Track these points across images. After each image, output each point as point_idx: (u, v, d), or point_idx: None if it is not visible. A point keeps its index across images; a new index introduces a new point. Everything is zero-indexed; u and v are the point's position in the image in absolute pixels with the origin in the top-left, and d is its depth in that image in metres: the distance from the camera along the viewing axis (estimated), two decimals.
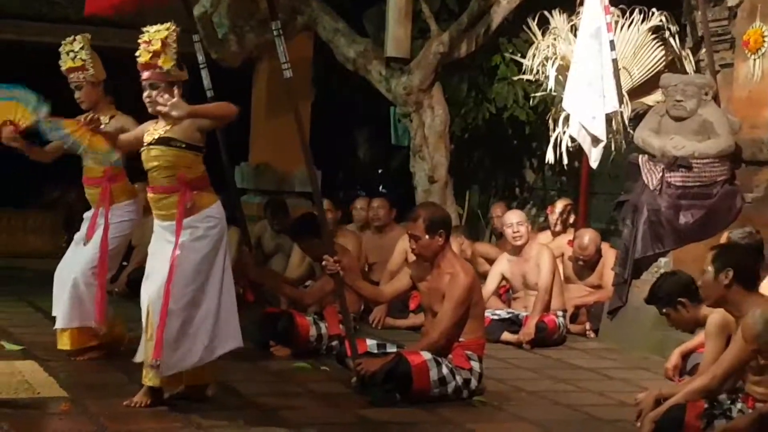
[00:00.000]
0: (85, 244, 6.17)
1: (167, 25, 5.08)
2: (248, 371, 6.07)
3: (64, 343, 6.17)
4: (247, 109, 11.23)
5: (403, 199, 9.54)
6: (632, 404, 5.42)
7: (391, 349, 5.81)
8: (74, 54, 6.10)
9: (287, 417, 5.10)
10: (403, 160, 10.21)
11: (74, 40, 6.14)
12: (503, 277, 7.74)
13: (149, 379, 5.09)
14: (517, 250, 7.63)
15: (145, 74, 5.08)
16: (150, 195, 5.15)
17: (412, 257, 6.51)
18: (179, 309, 5.02)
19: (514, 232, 7.60)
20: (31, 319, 7.62)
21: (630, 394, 5.81)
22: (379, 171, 13.33)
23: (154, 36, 5.04)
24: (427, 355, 5.50)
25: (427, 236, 5.62)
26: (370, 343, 5.87)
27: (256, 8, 9.69)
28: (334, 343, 6.65)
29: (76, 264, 6.16)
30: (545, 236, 8.58)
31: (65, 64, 6.15)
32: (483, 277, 7.68)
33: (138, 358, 5.22)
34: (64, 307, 6.13)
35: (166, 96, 4.92)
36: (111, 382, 5.69)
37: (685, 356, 6.09)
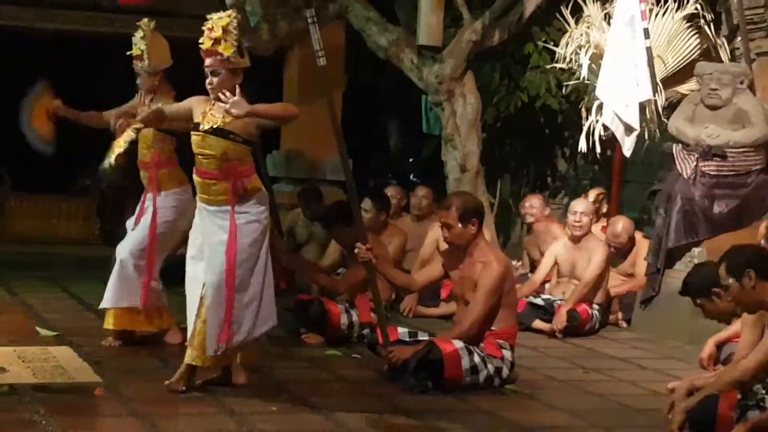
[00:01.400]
0: (133, 229, 6.27)
1: (228, 12, 5.15)
2: (280, 358, 6.10)
3: (108, 323, 6.24)
4: (279, 98, 11.24)
5: (434, 188, 9.51)
6: (665, 394, 5.41)
7: (423, 337, 5.82)
8: (135, 42, 6.15)
9: (319, 404, 5.12)
10: (434, 149, 10.18)
11: (138, 27, 6.19)
12: (555, 261, 7.75)
13: (195, 358, 5.17)
14: (575, 239, 7.63)
15: (207, 61, 5.13)
16: (197, 179, 5.22)
17: (443, 246, 6.51)
18: (238, 294, 5.13)
19: (575, 221, 7.61)
20: (65, 305, 7.69)
21: (663, 383, 5.79)
22: (410, 160, 13.32)
23: (216, 23, 5.08)
24: (459, 344, 5.50)
25: (459, 225, 5.62)
26: (402, 331, 5.88)
27: None
28: (366, 330, 6.67)
29: (126, 245, 6.25)
30: None
31: (133, 50, 6.20)
32: None
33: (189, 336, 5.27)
34: (111, 286, 6.21)
35: (228, 93, 4.98)
36: (145, 367, 5.74)
37: (720, 346, 6.06)
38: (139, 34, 6.16)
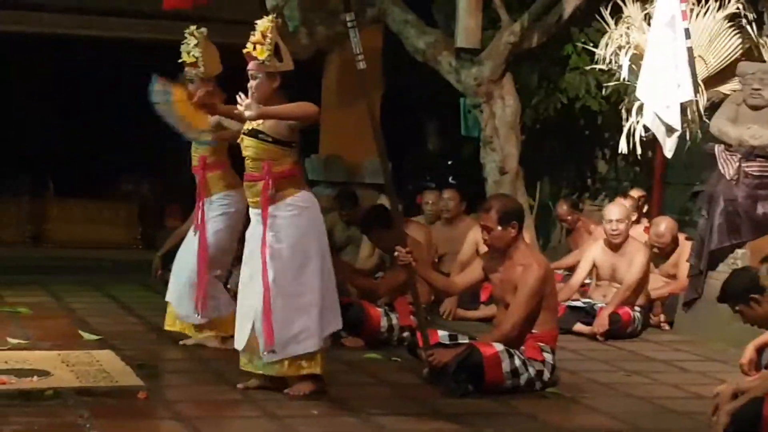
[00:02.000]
0: (194, 235, 6.35)
1: (269, 17, 5.20)
2: None
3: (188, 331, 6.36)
4: (317, 101, 11.26)
5: (473, 191, 9.50)
6: (707, 397, 5.35)
7: (463, 340, 5.80)
8: (188, 50, 6.19)
9: (359, 407, 5.13)
10: (473, 151, 10.16)
11: (191, 33, 6.21)
12: (593, 264, 7.71)
13: (259, 366, 5.22)
14: (614, 246, 7.57)
15: (249, 65, 5.21)
16: (244, 181, 5.32)
17: (483, 248, 6.49)
18: (282, 297, 5.13)
19: (612, 230, 7.53)
20: (108, 309, 7.75)
21: (706, 386, 5.74)
22: (449, 162, 13.30)
23: (258, 28, 5.16)
24: (499, 347, 5.48)
25: (499, 227, 5.60)
26: (442, 334, 5.87)
27: (326, 1, 9.73)
28: (405, 334, 6.67)
29: (188, 259, 6.33)
30: None
31: (183, 57, 6.24)
32: None
33: (237, 345, 5.30)
34: (180, 301, 6.31)
35: (243, 96, 5.06)
36: (187, 370, 5.78)
37: (760, 350, 5.98)
38: (192, 41, 6.19)
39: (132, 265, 9.57)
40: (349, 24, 5.65)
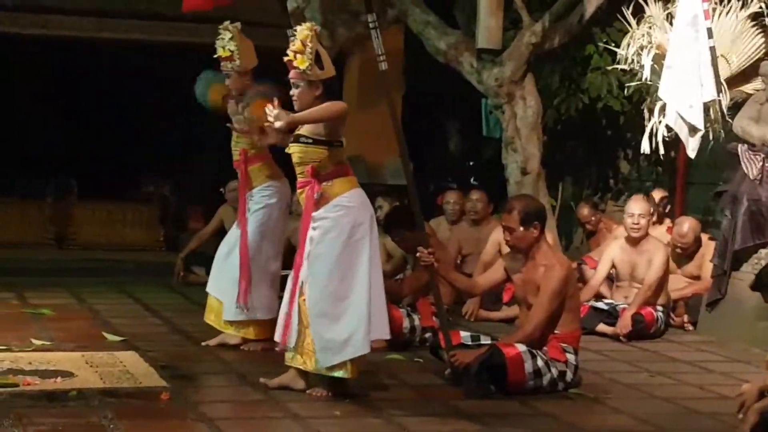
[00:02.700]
0: (237, 228, 6.38)
1: (309, 24, 5.23)
2: None
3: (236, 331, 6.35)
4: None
5: (494, 191, 9.48)
6: (731, 397, 5.32)
7: (486, 341, 5.80)
8: (224, 44, 6.25)
9: (381, 408, 5.13)
10: (494, 152, 10.14)
11: (225, 28, 6.27)
12: (612, 264, 7.68)
13: (302, 363, 5.25)
14: (633, 241, 7.55)
15: (290, 74, 5.23)
16: (297, 189, 5.33)
17: (505, 249, 6.49)
18: (327, 302, 5.14)
19: (633, 223, 7.52)
20: (131, 310, 7.79)
21: (730, 387, 5.71)
22: (470, 163, 13.28)
23: (298, 36, 5.18)
24: (521, 347, 5.47)
25: (521, 228, 5.59)
26: (464, 335, 5.87)
27: (347, 2, 9.74)
28: (428, 334, 6.66)
29: (233, 255, 6.33)
30: None
31: (219, 52, 6.29)
32: None
33: (290, 343, 5.28)
34: (228, 298, 6.29)
35: (270, 106, 5.07)
36: (210, 371, 5.79)
37: None
38: (227, 35, 6.25)
39: (155, 267, 9.63)
40: (370, 25, 5.66)
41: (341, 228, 5.18)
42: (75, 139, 11.87)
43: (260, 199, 6.35)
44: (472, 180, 12.74)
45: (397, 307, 6.74)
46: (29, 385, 5.17)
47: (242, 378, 5.62)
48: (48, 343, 6.26)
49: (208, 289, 6.49)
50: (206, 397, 5.19)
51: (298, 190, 5.31)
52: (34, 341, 6.24)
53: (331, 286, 5.16)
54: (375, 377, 5.85)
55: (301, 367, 5.27)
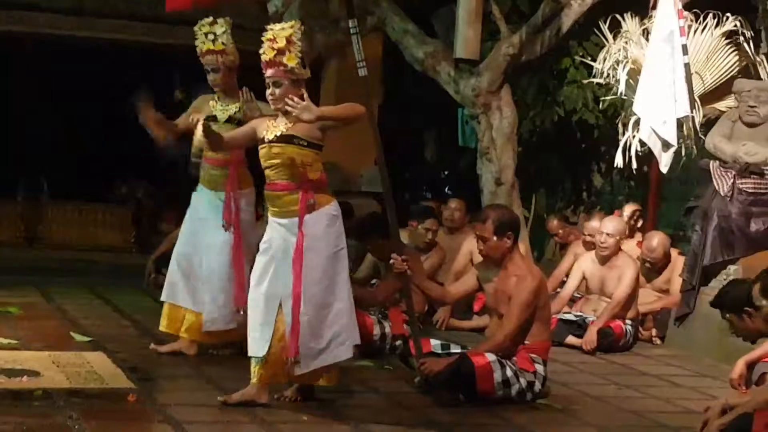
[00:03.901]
0: (226, 229, 6.13)
1: (292, 23, 5.12)
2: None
3: (210, 339, 6.21)
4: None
5: (469, 201, 9.51)
6: (698, 411, 5.35)
7: (456, 349, 5.81)
8: (214, 37, 6.08)
9: (350, 415, 5.12)
10: (470, 162, 10.18)
11: (215, 22, 6.11)
12: (583, 276, 7.72)
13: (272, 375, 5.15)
14: (602, 258, 7.59)
15: (268, 72, 5.06)
16: (268, 193, 5.16)
17: (477, 258, 6.50)
18: (311, 309, 5.06)
19: (601, 242, 7.56)
20: (100, 312, 7.74)
21: (697, 401, 5.74)
22: (446, 172, 13.31)
23: (279, 34, 5.03)
24: (491, 357, 5.48)
25: (495, 238, 5.61)
26: (435, 343, 5.87)
27: (326, 8, 9.74)
28: (398, 342, 6.67)
29: (213, 255, 6.15)
30: None
31: (203, 45, 6.11)
32: None
33: (251, 352, 5.17)
34: (210, 302, 6.15)
35: (296, 98, 4.93)
36: (178, 374, 5.76)
37: (751, 366, 5.99)
38: (220, 29, 6.08)
39: (126, 269, 9.57)
40: (351, 31, 5.65)
41: (329, 238, 5.12)
42: (48, 137, 11.80)
43: (246, 202, 6.24)
44: (447, 189, 12.78)
45: (369, 314, 6.74)
46: None
47: (210, 381, 5.60)
48: (15, 341, 6.21)
49: (174, 300, 6.28)
50: (173, 400, 5.16)
51: (275, 193, 5.11)
52: (0, 339, 6.19)
53: (318, 294, 5.08)
54: (344, 384, 5.84)
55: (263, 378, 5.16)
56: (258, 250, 5.27)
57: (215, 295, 6.15)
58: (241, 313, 6.02)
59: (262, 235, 5.30)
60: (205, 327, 6.17)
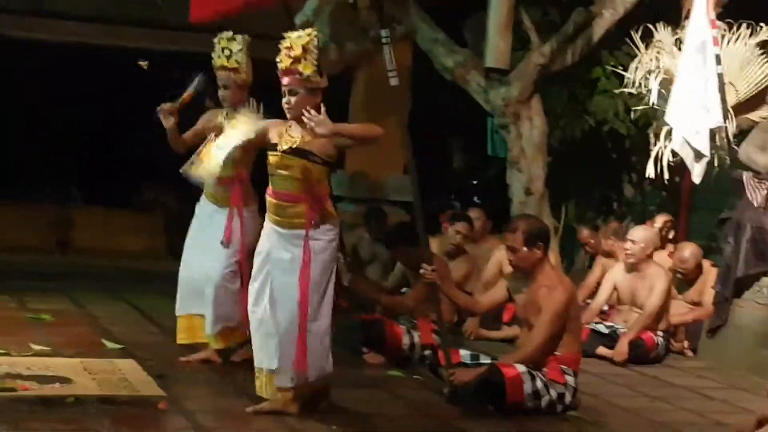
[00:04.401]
0: (225, 246, 6.12)
1: (308, 30, 5.04)
2: (341, 377, 6.06)
3: (218, 343, 6.20)
4: (344, 117, 11.30)
5: (498, 211, 9.48)
6: (730, 424, 5.31)
7: (485, 360, 5.78)
8: (230, 53, 6.06)
9: (379, 424, 5.12)
10: (498, 171, 10.15)
11: (233, 38, 6.09)
12: (614, 287, 7.67)
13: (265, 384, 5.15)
14: (632, 267, 7.53)
15: (285, 80, 5.00)
16: (271, 200, 5.10)
17: (507, 268, 6.48)
18: (312, 318, 5.04)
19: (626, 248, 7.52)
20: (130, 318, 7.77)
21: (729, 414, 5.70)
22: (474, 182, 13.28)
23: (296, 42, 4.96)
24: (521, 368, 5.46)
25: (525, 248, 5.58)
26: (464, 354, 5.85)
27: (356, 17, 9.75)
28: (427, 352, 6.64)
29: (212, 268, 6.15)
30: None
31: (218, 60, 6.10)
32: None
33: (263, 365, 5.15)
34: (210, 313, 6.14)
35: (313, 111, 4.87)
36: (207, 382, 5.78)
37: None
38: (236, 46, 6.06)
39: (155, 275, 9.59)
40: (383, 40, 5.63)
41: (330, 251, 5.08)
42: (78, 144, 11.90)
43: (251, 219, 6.19)
44: (475, 199, 12.74)
45: (398, 324, 6.73)
46: (27, 390, 5.15)
47: (239, 388, 5.60)
48: (47, 348, 6.24)
49: (186, 311, 6.30)
50: (203, 407, 5.17)
51: (280, 203, 5.04)
52: (33, 346, 6.22)
53: (314, 305, 5.03)
54: (374, 393, 5.83)
55: (266, 396, 5.15)
56: None
57: (217, 293, 6.14)
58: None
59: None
60: (207, 329, 6.19)
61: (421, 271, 5.71)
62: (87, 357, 6.05)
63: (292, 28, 7.03)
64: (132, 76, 11.41)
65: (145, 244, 11.74)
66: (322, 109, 4.92)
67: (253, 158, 6.10)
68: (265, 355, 5.11)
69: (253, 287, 5.17)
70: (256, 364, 5.19)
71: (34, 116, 12.11)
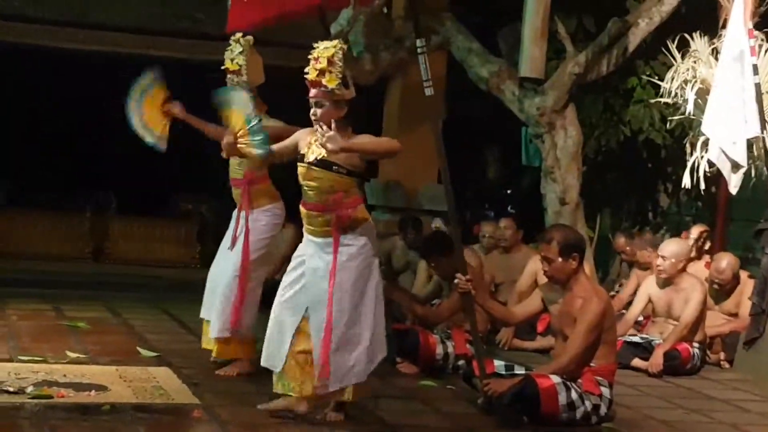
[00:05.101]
0: (231, 249, 6.22)
1: (335, 42, 5.06)
2: (375, 387, 6.06)
3: (216, 350, 6.26)
4: (378, 127, 11.32)
5: (532, 221, 9.46)
6: None
7: (520, 370, 5.75)
8: (232, 57, 6.14)
9: None
10: (533, 181, 10.13)
11: (237, 41, 6.15)
12: (649, 299, 7.62)
13: (293, 389, 5.16)
14: (666, 281, 7.49)
15: (312, 92, 5.04)
16: (303, 210, 5.17)
17: (542, 279, 6.45)
18: (341, 326, 5.04)
19: (657, 265, 7.46)
20: (166, 327, 7.82)
21: (764, 427, 5.65)
22: (508, 191, 13.26)
23: (322, 54, 4.99)
24: (556, 379, 5.43)
25: (560, 259, 5.56)
26: (498, 364, 5.82)
27: (390, 27, 9.78)
28: (461, 362, 6.64)
29: (225, 272, 6.23)
30: None
31: (225, 64, 6.17)
32: None
33: (266, 364, 5.23)
34: (217, 316, 6.20)
35: (324, 126, 4.92)
36: (241, 391, 5.78)
37: None
38: (237, 49, 6.12)
39: (190, 284, 9.62)
40: (419, 50, 5.63)
41: (364, 256, 5.09)
42: (115, 153, 11.98)
43: (265, 219, 6.24)
44: (509, 208, 12.73)
45: (432, 334, 6.72)
46: (63, 398, 5.20)
47: (275, 398, 5.60)
48: (83, 356, 6.29)
49: (202, 315, 6.38)
50: (238, 417, 5.18)
51: (310, 212, 5.10)
52: (69, 354, 6.28)
53: (347, 312, 5.05)
54: (407, 403, 5.82)
55: (281, 391, 5.19)
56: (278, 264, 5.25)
57: (220, 301, 6.19)
58: (231, 332, 6.12)
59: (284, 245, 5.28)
60: (211, 334, 6.23)
61: (456, 281, 5.70)
62: (122, 365, 6.10)
63: (328, 38, 7.08)
64: (171, 87, 11.47)
65: (180, 253, 11.82)
66: (333, 124, 4.93)
67: (267, 163, 6.02)
68: (272, 356, 5.18)
69: (286, 292, 5.20)
70: (266, 365, 5.24)
71: (72, 126, 12.22)
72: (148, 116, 6.22)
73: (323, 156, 5.03)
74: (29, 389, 5.25)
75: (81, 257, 11.48)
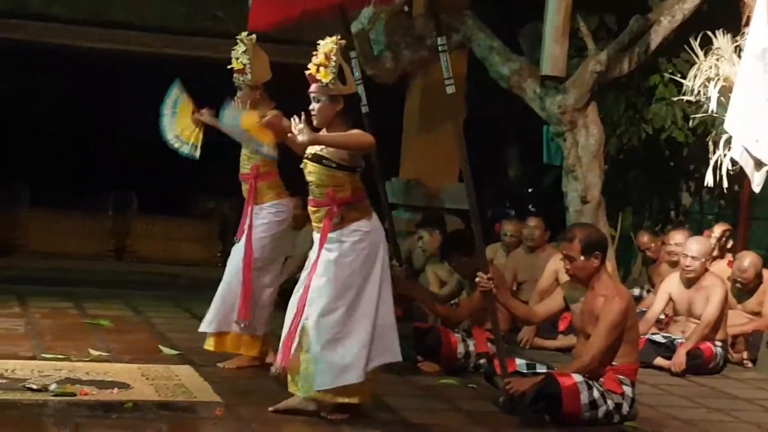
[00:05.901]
0: (236, 243, 6.30)
1: (333, 38, 5.10)
2: (396, 385, 6.09)
3: (211, 344, 6.31)
4: (399, 125, 11.31)
5: (553, 219, 9.43)
6: None
7: (541, 369, 5.74)
8: (236, 56, 6.19)
9: None
10: (554, 180, 10.09)
11: (242, 40, 6.21)
12: (670, 298, 7.58)
13: (301, 388, 5.14)
14: (690, 280, 7.45)
15: (311, 86, 5.13)
16: (308, 207, 5.25)
17: (563, 277, 6.43)
18: (330, 324, 5.03)
19: (686, 265, 7.41)
20: (187, 325, 7.82)
21: None
22: (529, 190, 13.21)
23: (320, 49, 5.07)
24: (578, 378, 5.41)
25: (582, 257, 5.54)
26: (520, 363, 5.82)
27: (411, 26, 9.77)
28: (482, 361, 6.63)
29: (230, 268, 6.32)
30: None
31: (232, 63, 6.23)
32: None
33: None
34: (213, 309, 6.27)
35: (295, 119, 4.97)
36: (262, 389, 5.79)
37: None
38: (240, 48, 6.17)
39: (212, 282, 9.64)
40: (440, 48, 5.63)
41: (357, 253, 5.08)
42: (137, 154, 12.04)
43: (268, 215, 6.26)
44: (530, 207, 12.69)
45: (453, 332, 6.72)
46: (86, 395, 5.22)
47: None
48: (105, 354, 6.32)
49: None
50: (259, 415, 5.19)
51: (311, 208, 5.19)
52: (91, 352, 6.31)
53: (339, 310, 5.04)
54: (428, 401, 5.82)
55: (293, 391, 5.19)
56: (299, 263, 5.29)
57: (222, 292, 6.27)
58: (241, 326, 6.17)
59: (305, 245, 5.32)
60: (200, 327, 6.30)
61: (477, 279, 5.69)
62: (145, 363, 6.13)
63: (349, 37, 7.09)
64: (193, 86, 11.51)
65: (202, 252, 11.86)
66: (303, 116, 4.99)
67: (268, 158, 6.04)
68: (279, 352, 5.20)
69: (296, 291, 5.24)
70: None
71: (93, 125, 12.27)
72: (181, 128, 6.28)
73: (316, 151, 5.11)
74: (52, 387, 5.28)
75: (103, 256, 11.53)
